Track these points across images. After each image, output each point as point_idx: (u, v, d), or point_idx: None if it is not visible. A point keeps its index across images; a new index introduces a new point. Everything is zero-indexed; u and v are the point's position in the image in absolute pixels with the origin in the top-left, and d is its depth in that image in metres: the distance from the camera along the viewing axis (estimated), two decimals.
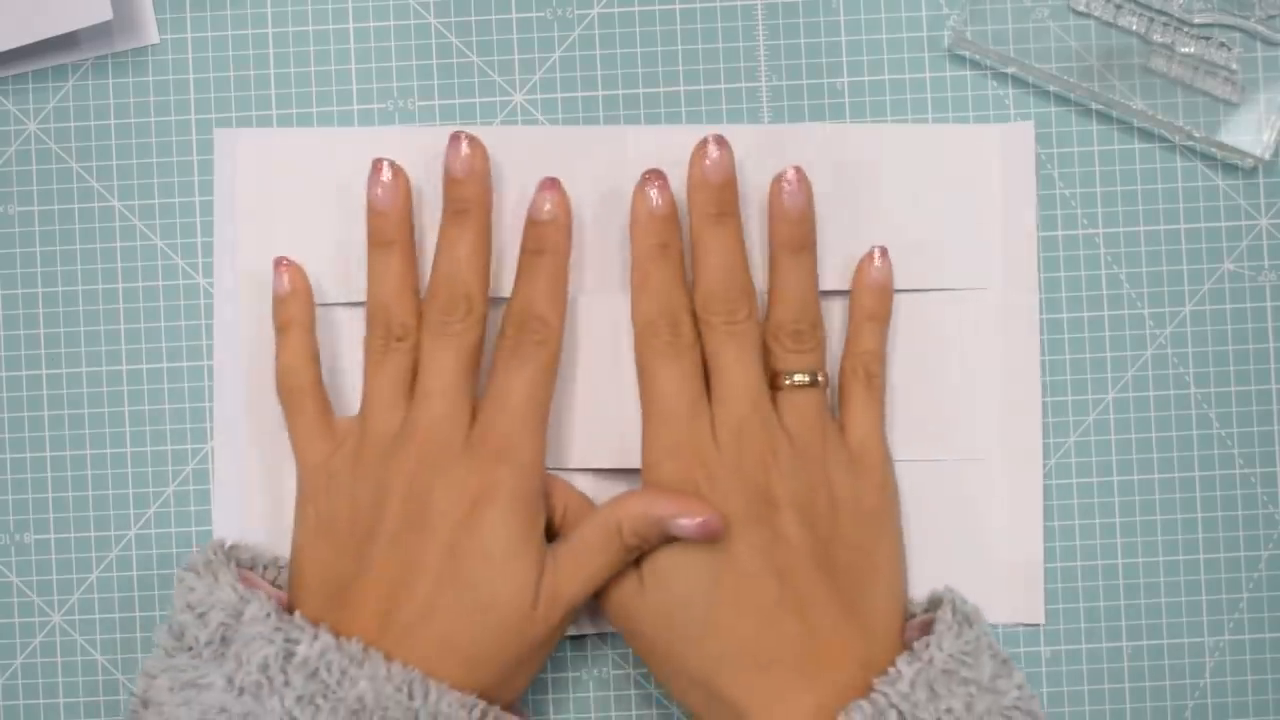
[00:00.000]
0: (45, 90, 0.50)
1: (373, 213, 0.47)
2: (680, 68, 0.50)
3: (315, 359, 0.47)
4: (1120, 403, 0.49)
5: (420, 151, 0.49)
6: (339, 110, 0.49)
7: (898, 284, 0.48)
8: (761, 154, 0.48)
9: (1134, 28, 0.49)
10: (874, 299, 0.48)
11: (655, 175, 0.46)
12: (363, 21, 0.50)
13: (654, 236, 0.46)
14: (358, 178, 0.48)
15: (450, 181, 0.47)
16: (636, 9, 0.50)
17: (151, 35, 0.50)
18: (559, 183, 0.47)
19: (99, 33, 0.49)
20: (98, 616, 0.49)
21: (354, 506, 0.45)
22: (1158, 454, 0.49)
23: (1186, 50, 0.49)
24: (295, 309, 0.48)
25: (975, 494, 0.49)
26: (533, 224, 0.47)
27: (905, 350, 0.49)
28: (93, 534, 0.49)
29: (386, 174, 0.47)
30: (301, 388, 0.47)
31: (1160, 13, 0.49)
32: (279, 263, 0.48)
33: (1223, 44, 0.49)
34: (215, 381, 0.49)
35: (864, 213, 0.49)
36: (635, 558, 0.45)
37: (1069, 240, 0.49)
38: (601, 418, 0.48)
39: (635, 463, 0.47)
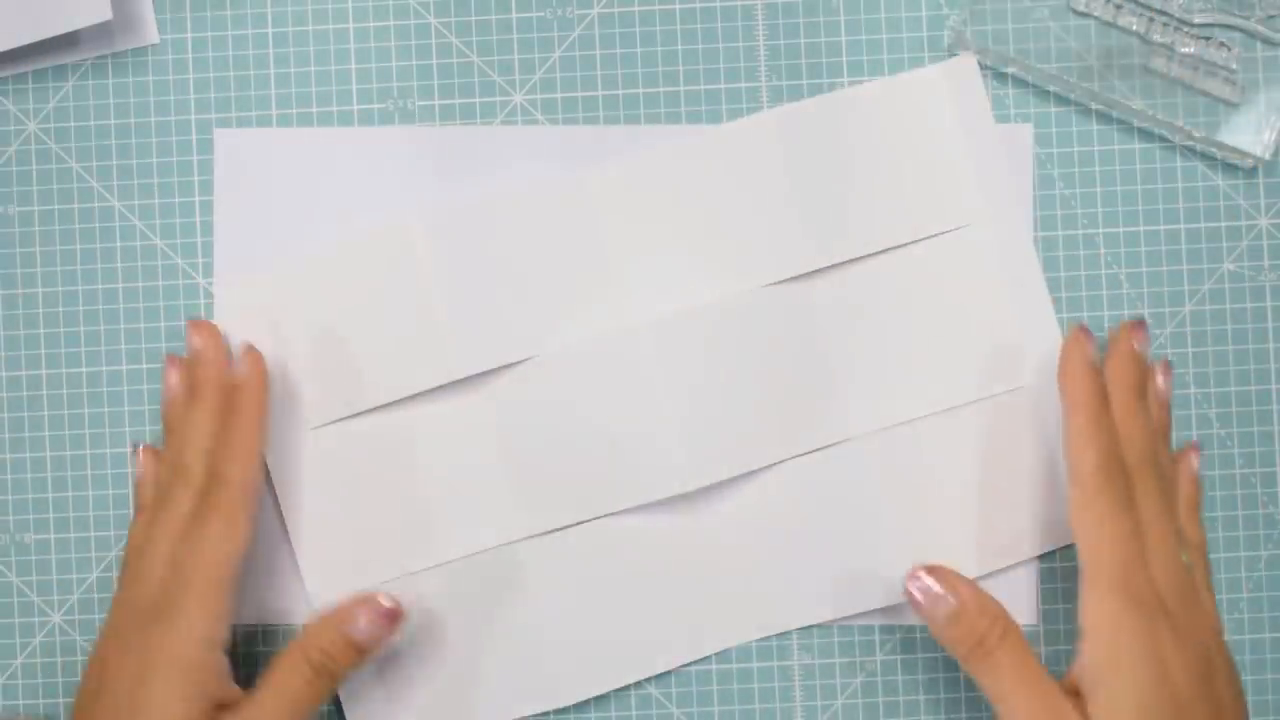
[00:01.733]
0: (45, 90, 0.50)
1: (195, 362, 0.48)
2: (680, 68, 0.50)
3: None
4: None
5: (420, 152, 0.49)
6: (339, 110, 0.50)
7: (881, 244, 0.48)
8: (726, 156, 0.49)
9: (1134, 28, 0.49)
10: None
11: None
12: (363, 21, 0.50)
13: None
14: (358, 177, 0.48)
15: (189, 364, 0.48)
16: (636, 9, 0.50)
17: (151, 35, 0.50)
18: (254, 349, 0.47)
19: (99, 33, 0.49)
20: (97, 616, 0.49)
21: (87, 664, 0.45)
22: None
23: (1186, 50, 0.49)
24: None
25: (1019, 424, 0.49)
26: (229, 387, 0.47)
27: (909, 305, 0.49)
28: (93, 534, 0.49)
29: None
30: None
31: (1160, 13, 0.49)
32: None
33: (1223, 44, 0.49)
34: None
35: (834, 184, 0.48)
36: (333, 677, 0.45)
37: (1069, 240, 0.50)
38: (612, 459, 0.48)
39: (655, 495, 0.48)
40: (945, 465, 0.48)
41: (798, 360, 0.49)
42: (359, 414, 0.48)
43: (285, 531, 0.48)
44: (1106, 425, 0.44)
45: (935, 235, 0.49)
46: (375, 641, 0.45)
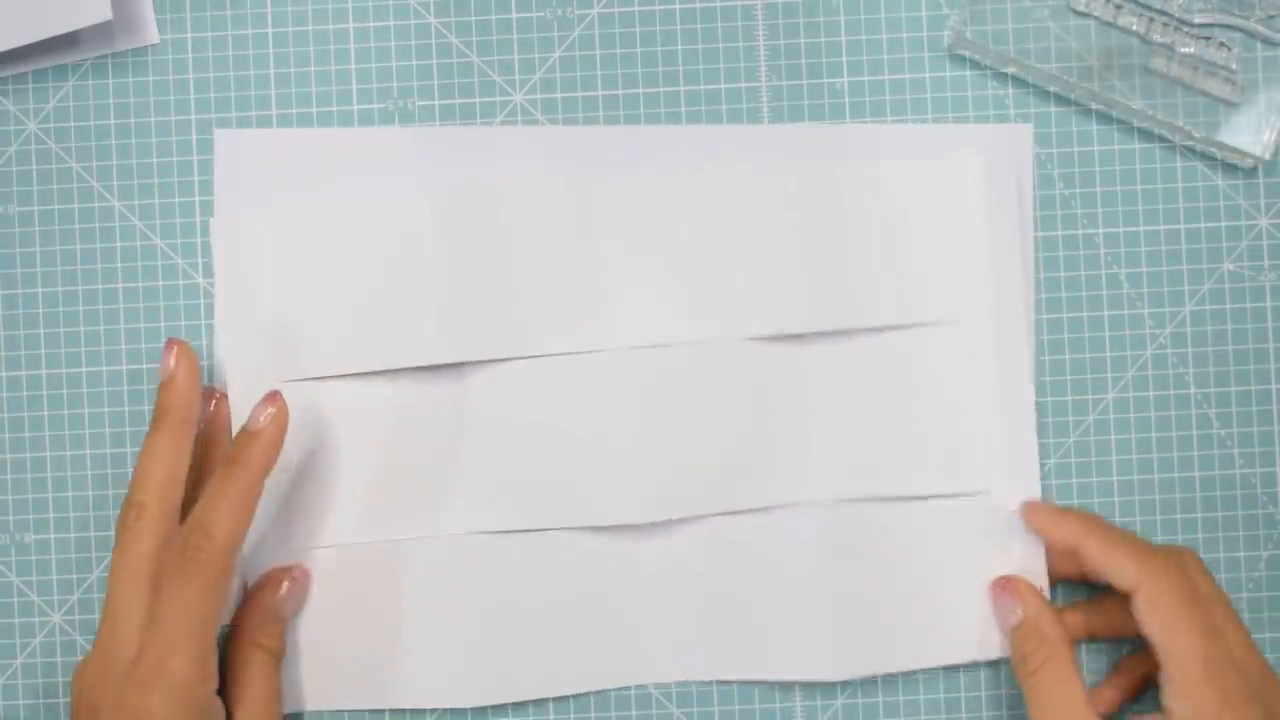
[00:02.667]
0: (45, 90, 0.50)
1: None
2: (680, 68, 0.50)
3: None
4: (1120, 403, 0.50)
5: (419, 151, 0.49)
6: (339, 110, 0.50)
7: (876, 322, 0.48)
8: (741, 199, 0.48)
9: (1134, 28, 0.49)
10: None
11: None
12: (363, 21, 0.50)
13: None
14: (357, 177, 0.48)
15: (159, 386, 0.46)
16: (636, 9, 0.50)
17: (151, 35, 0.50)
18: (280, 397, 0.46)
19: (99, 33, 0.49)
20: (97, 616, 0.49)
21: (72, 704, 0.45)
22: (1158, 454, 0.49)
23: (1186, 50, 0.49)
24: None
25: (975, 529, 0.48)
26: (243, 432, 0.45)
27: (893, 385, 0.49)
28: (93, 534, 0.49)
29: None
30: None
31: (1160, 13, 0.49)
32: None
33: (1223, 44, 0.49)
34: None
35: (846, 252, 0.48)
36: (282, 655, 0.47)
37: (1069, 240, 0.50)
38: (570, 475, 0.48)
39: (606, 520, 0.48)
40: (893, 552, 0.48)
41: (769, 417, 0.48)
42: (330, 378, 0.48)
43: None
44: (1123, 534, 0.46)
45: (935, 324, 0.48)
46: (297, 610, 0.48)
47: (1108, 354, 0.50)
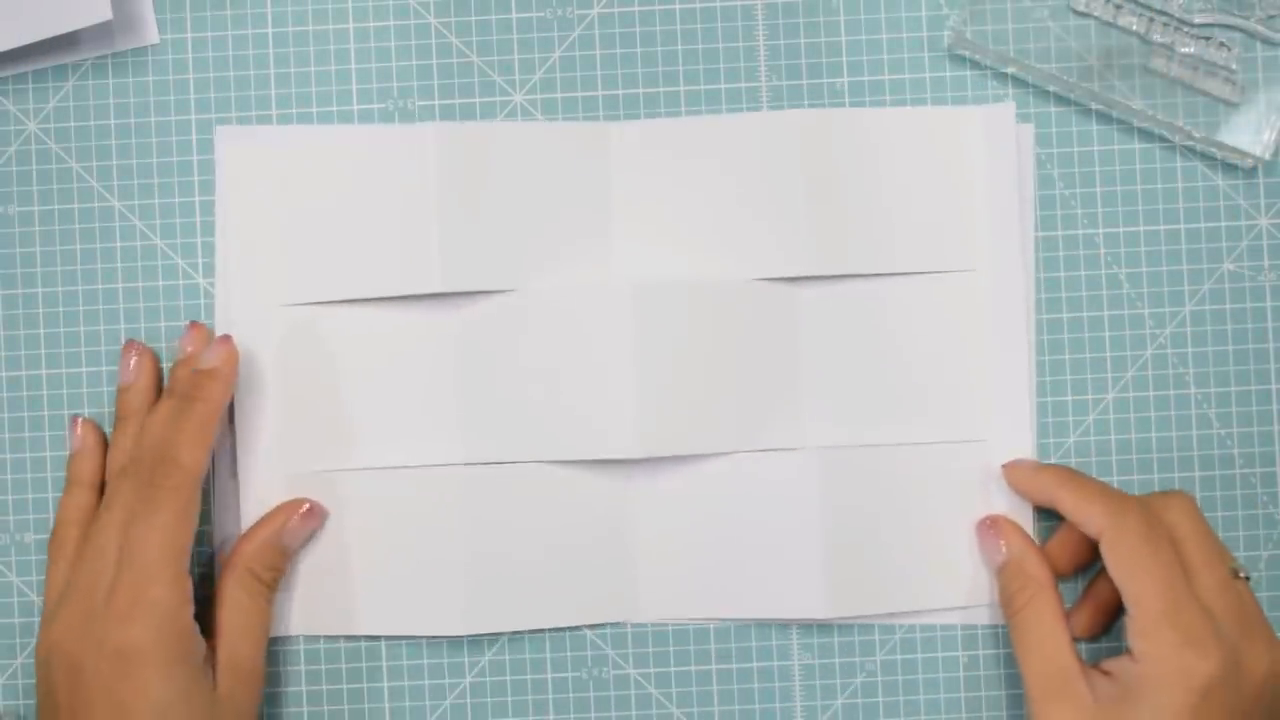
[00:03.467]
0: (45, 90, 0.50)
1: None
2: (680, 68, 0.50)
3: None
4: (1120, 403, 0.50)
5: (420, 151, 0.49)
6: (339, 110, 0.50)
7: (880, 268, 0.49)
8: (749, 143, 0.49)
9: (1134, 28, 0.49)
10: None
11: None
12: (363, 21, 0.50)
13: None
14: (358, 176, 0.49)
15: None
16: (636, 9, 0.50)
17: (151, 35, 0.50)
18: (231, 339, 0.47)
19: (99, 33, 0.49)
20: None
21: (40, 673, 0.45)
22: (1158, 454, 0.50)
23: (1186, 50, 0.49)
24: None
25: (968, 477, 0.49)
26: (195, 372, 0.46)
27: (891, 333, 0.49)
28: None
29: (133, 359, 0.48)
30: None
31: (1160, 13, 0.49)
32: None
33: (1223, 44, 0.49)
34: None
35: (849, 198, 0.48)
36: (276, 586, 0.48)
37: (1069, 240, 0.50)
38: (566, 408, 0.48)
39: (601, 454, 0.48)
40: (888, 496, 0.48)
41: (769, 360, 0.49)
42: (329, 304, 0.49)
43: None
44: (1096, 484, 0.46)
45: (935, 272, 0.49)
46: (303, 543, 0.48)
47: (1108, 354, 0.50)
